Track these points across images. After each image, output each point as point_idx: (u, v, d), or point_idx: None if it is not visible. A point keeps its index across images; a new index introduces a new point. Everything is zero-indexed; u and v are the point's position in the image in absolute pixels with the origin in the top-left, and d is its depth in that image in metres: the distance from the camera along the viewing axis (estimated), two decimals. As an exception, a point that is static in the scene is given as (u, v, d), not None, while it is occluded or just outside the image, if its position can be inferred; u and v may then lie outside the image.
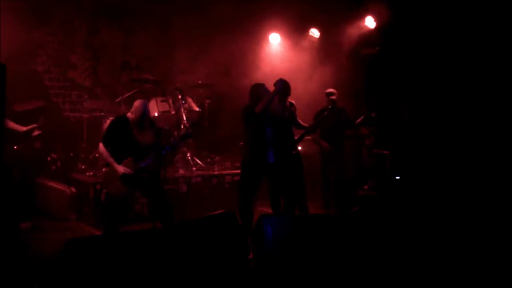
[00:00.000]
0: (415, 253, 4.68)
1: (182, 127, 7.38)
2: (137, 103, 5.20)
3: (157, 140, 5.23)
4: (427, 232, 5.10)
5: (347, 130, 7.26)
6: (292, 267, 4.06)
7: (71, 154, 7.74)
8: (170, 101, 7.60)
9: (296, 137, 6.17)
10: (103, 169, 5.23)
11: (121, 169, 4.95)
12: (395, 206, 6.40)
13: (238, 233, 4.33)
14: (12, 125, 5.47)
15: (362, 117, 7.11)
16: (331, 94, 6.95)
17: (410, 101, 8.09)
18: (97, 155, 7.25)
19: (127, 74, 8.92)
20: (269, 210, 5.90)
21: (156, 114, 7.40)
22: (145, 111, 5.16)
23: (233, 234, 4.24)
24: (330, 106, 6.75)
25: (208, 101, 8.39)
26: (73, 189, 6.55)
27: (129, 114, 5.19)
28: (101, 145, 5.08)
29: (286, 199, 5.84)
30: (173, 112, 7.52)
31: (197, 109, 7.87)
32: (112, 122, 5.28)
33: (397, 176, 7.74)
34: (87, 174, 6.95)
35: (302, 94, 7.30)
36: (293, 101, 6.18)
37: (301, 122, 6.32)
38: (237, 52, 8.88)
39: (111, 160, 5.00)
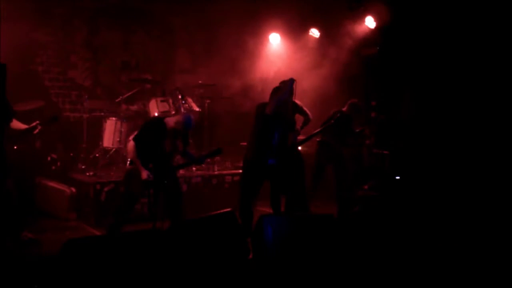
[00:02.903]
0: (415, 253, 4.68)
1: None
2: (183, 119, 5.10)
3: (185, 150, 5.27)
4: (427, 232, 5.11)
5: (348, 138, 7.13)
6: (292, 267, 4.06)
7: (71, 154, 7.74)
8: (170, 101, 7.60)
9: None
10: (127, 166, 5.16)
11: (144, 174, 4.89)
12: (395, 206, 6.40)
13: (238, 233, 4.33)
14: (14, 124, 5.45)
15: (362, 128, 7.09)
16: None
17: (410, 101, 8.08)
18: (102, 150, 7.25)
19: (127, 74, 8.92)
20: (269, 210, 5.89)
21: (156, 114, 7.40)
22: (187, 127, 5.12)
23: (233, 234, 4.24)
24: (338, 115, 6.74)
25: (208, 101, 8.39)
26: (73, 189, 6.55)
27: (169, 121, 5.11)
28: (131, 143, 5.00)
29: (287, 199, 5.83)
30: (173, 112, 7.51)
31: (197, 109, 7.86)
32: (150, 124, 5.19)
33: (397, 176, 7.74)
34: (87, 174, 6.95)
35: (302, 95, 7.28)
36: (297, 101, 6.16)
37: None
38: (237, 52, 8.88)
39: (139, 161, 4.93)
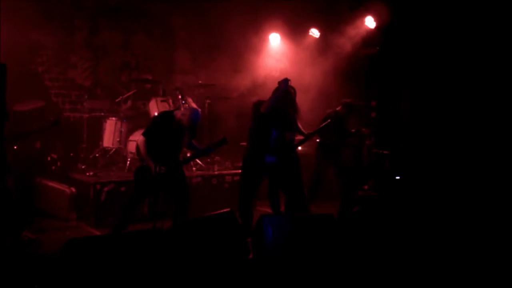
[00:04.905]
0: (414, 253, 4.68)
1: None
2: (190, 112, 5.13)
3: (191, 143, 5.27)
4: (426, 232, 5.11)
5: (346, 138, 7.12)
6: (292, 267, 4.07)
7: (71, 154, 7.74)
8: (170, 101, 7.61)
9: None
10: (139, 164, 5.17)
11: (156, 168, 4.90)
12: (395, 206, 6.40)
13: (238, 233, 4.33)
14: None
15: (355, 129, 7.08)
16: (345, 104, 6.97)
17: (410, 101, 8.08)
18: (102, 150, 7.26)
19: (127, 74, 8.93)
20: (269, 210, 5.89)
21: (156, 114, 7.40)
22: (195, 121, 5.15)
23: (233, 234, 4.24)
24: (332, 115, 6.72)
25: (208, 101, 8.39)
26: (73, 189, 6.55)
27: (177, 114, 5.14)
28: (142, 138, 4.98)
29: (287, 200, 5.83)
30: (173, 112, 7.52)
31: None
32: (159, 117, 5.19)
33: (397, 176, 7.74)
34: (87, 174, 6.95)
35: (302, 95, 7.28)
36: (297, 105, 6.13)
37: (301, 127, 6.29)
38: (237, 52, 8.88)
39: (148, 157, 4.93)
